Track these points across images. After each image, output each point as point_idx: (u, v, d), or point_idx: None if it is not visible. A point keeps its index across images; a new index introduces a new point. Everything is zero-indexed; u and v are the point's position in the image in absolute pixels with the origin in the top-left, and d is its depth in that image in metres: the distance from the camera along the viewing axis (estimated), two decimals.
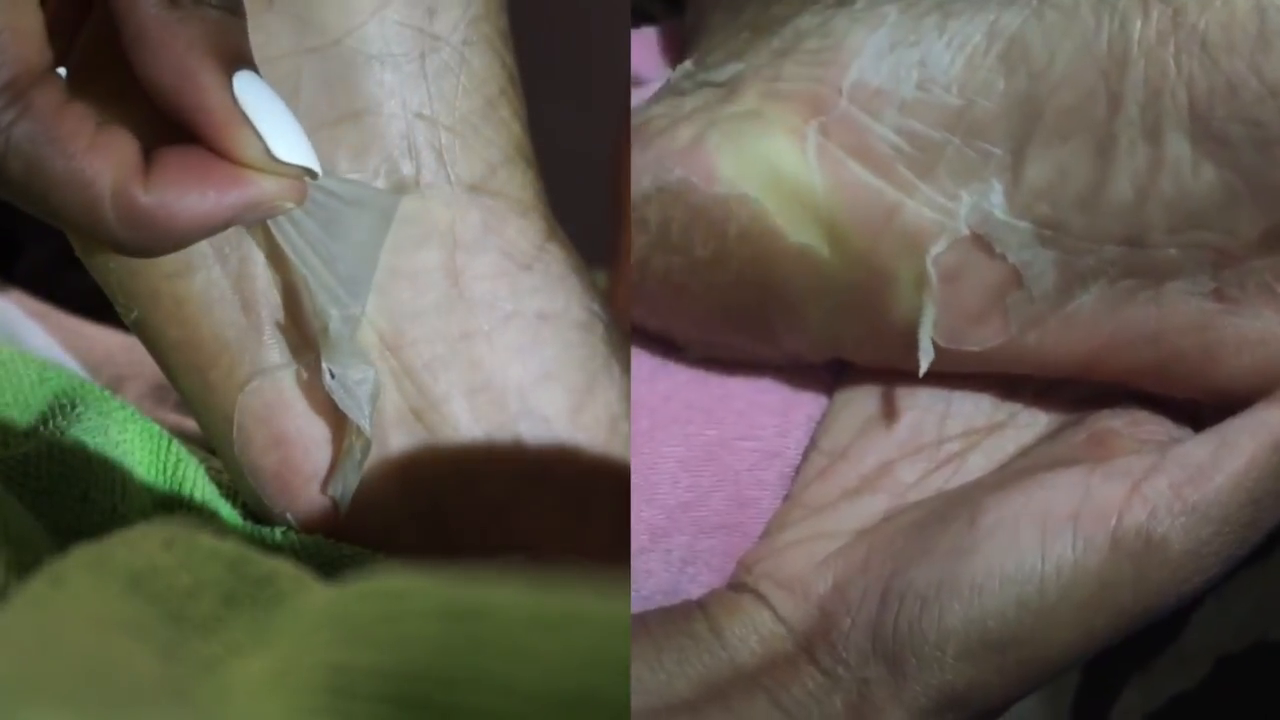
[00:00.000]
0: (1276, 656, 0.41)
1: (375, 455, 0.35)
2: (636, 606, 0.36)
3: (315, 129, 0.34)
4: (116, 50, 0.30)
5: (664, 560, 0.37)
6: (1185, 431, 0.35)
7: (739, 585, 0.36)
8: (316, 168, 0.31)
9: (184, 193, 0.30)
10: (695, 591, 0.37)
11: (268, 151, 0.30)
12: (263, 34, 0.34)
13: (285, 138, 0.30)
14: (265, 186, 0.30)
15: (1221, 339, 0.33)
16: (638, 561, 0.36)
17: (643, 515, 0.36)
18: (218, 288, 0.35)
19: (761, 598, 0.35)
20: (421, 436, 0.35)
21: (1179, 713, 0.42)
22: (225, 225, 0.31)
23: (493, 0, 0.35)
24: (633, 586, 0.36)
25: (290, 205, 0.31)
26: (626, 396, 0.36)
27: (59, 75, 0.31)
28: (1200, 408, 0.35)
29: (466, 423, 0.35)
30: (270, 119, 0.30)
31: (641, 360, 0.37)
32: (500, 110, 0.35)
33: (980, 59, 0.33)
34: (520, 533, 0.35)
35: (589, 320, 0.36)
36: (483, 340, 0.35)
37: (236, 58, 0.30)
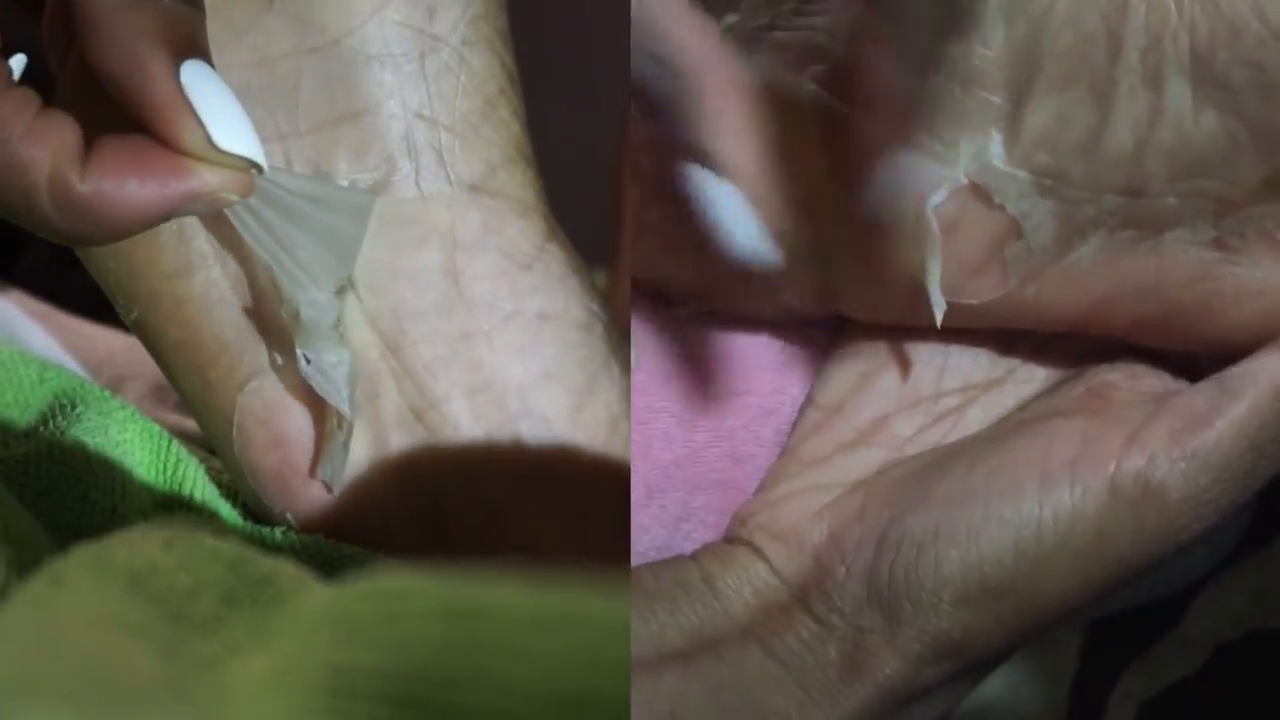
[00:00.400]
0: (1275, 644, 0.41)
1: (375, 455, 0.35)
2: (632, 563, 0.36)
3: (315, 129, 0.34)
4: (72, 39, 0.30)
5: (659, 516, 0.36)
6: (1184, 385, 0.35)
7: (733, 538, 0.36)
8: (261, 160, 0.30)
9: (122, 182, 0.29)
10: (690, 547, 0.37)
11: (209, 140, 0.29)
12: (263, 34, 0.34)
13: (229, 128, 0.29)
14: (207, 178, 0.29)
15: (1221, 289, 0.33)
16: (633, 516, 0.36)
17: (637, 471, 0.36)
18: (217, 288, 0.35)
19: (756, 549, 0.35)
20: (421, 436, 0.35)
21: (1178, 699, 0.42)
22: (165, 216, 0.30)
23: (492, 0, 0.35)
24: None
25: (234, 198, 0.30)
26: (626, 396, 0.36)
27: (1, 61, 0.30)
28: (1199, 362, 0.35)
29: (467, 423, 0.35)
30: (215, 109, 0.29)
31: (637, 314, 0.37)
32: (500, 110, 0.35)
33: (980, 6, 0.32)
34: (520, 533, 0.35)
35: (589, 320, 0.36)
36: (483, 340, 0.35)
37: (187, 47, 0.29)
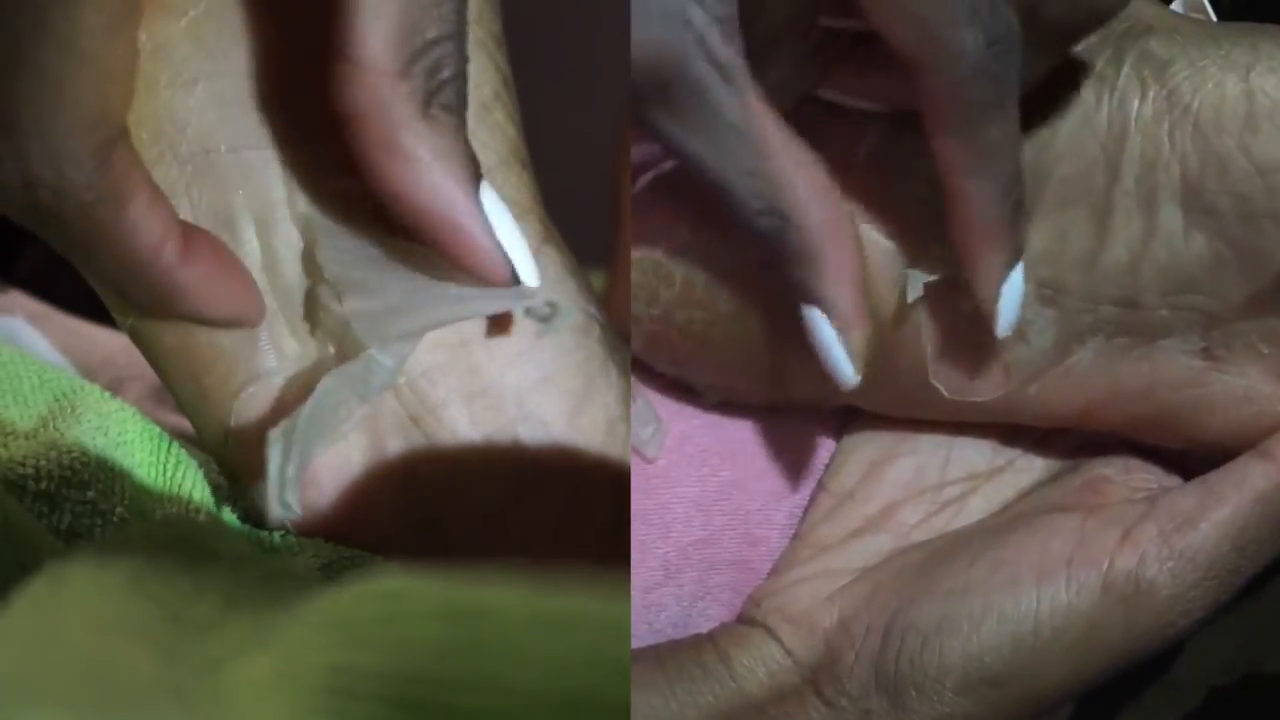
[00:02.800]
0: (1267, 688, 0.43)
1: (372, 460, 0.35)
2: (649, 639, 0.38)
3: (312, 134, 0.34)
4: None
5: (676, 595, 0.38)
6: (1175, 479, 0.37)
7: (748, 619, 0.38)
8: (535, 283, 0.32)
9: (212, 279, 0.30)
10: (705, 625, 0.38)
11: (514, 275, 0.31)
12: (259, 41, 0.34)
13: (526, 260, 0.31)
14: (261, 313, 0.32)
15: (1209, 395, 0.35)
16: (651, 595, 0.38)
17: (657, 551, 0.38)
18: None
19: (770, 631, 0.37)
20: (419, 442, 0.35)
21: None
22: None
23: (485, 4, 0.35)
24: (645, 619, 0.38)
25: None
26: (623, 399, 0.36)
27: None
28: (1189, 456, 0.37)
29: (464, 427, 0.35)
30: (514, 240, 0.31)
31: (660, 404, 0.39)
32: (495, 114, 0.35)
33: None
34: (518, 536, 0.35)
35: (586, 323, 0.36)
36: (480, 345, 0.35)
37: (477, 169, 0.30)
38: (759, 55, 0.32)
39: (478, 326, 0.35)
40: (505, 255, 0.31)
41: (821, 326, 0.34)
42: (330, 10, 0.28)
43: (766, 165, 0.32)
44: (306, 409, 0.33)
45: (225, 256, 0.33)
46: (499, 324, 0.34)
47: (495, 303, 0.33)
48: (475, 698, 0.20)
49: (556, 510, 0.35)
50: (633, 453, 0.38)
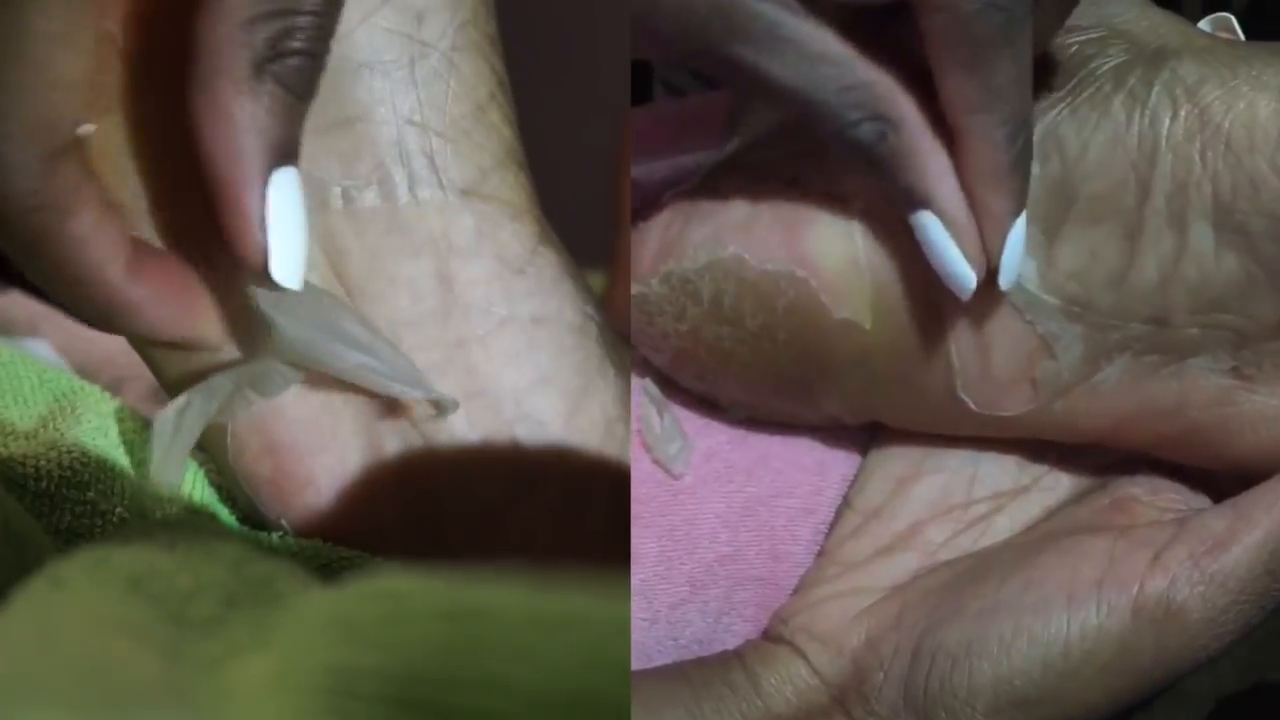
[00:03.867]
0: (1277, 697, 0.43)
1: (370, 461, 0.35)
2: (674, 655, 0.38)
3: (306, 136, 0.34)
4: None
5: (701, 610, 0.38)
6: (1201, 498, 0.37)
7: (775, 637, 0.38)
8: (298, 288, 0.31)
9: (162, 300, 0.29)
10: (730, 641, 0.38)
11: (265, 267, 0.30)
12: None
13: (288, 259, 0.30)
14: (217, 339, 0.31)
15: (1239, 414, 0.35)
16: (677, 611, 0.38)
17: (684, 568, 0.38)
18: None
19: (797, 650, 0.37)
20: (416, 442, 0.35)
21: None
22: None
23: (480, 5, 0.35)
24: (671, 635, 0.38)
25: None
26: (621, 399, 0.36)
27: (80, 136, 0.30)
28: (1216, 476, 0.37)
29: (462, 428, 0.35)
30: (285, 234, 0.30)
31: (686, 420, 0.39)
32: (490, 115, 0.35)
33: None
34: (516, 536, 0.35)
35: (583, 323, 0.36)
36: (478, 346, 0.35)
37: (286, 150, 0.29)
38: None
39: (475, 326, 0.35)
40: (265, 247, 0.30)
41: (935, 230, 0.33)
42: None
43: (860, 76, 0.32)
44: (199, 393, 0.33)
45: (180, 277, 0.32)
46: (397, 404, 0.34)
47: (400, 385, 0.34)
48: (475, 698, 0.20)
49: (555, 510, 0.35)
50: (659, 469, 0.38)
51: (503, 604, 0.22)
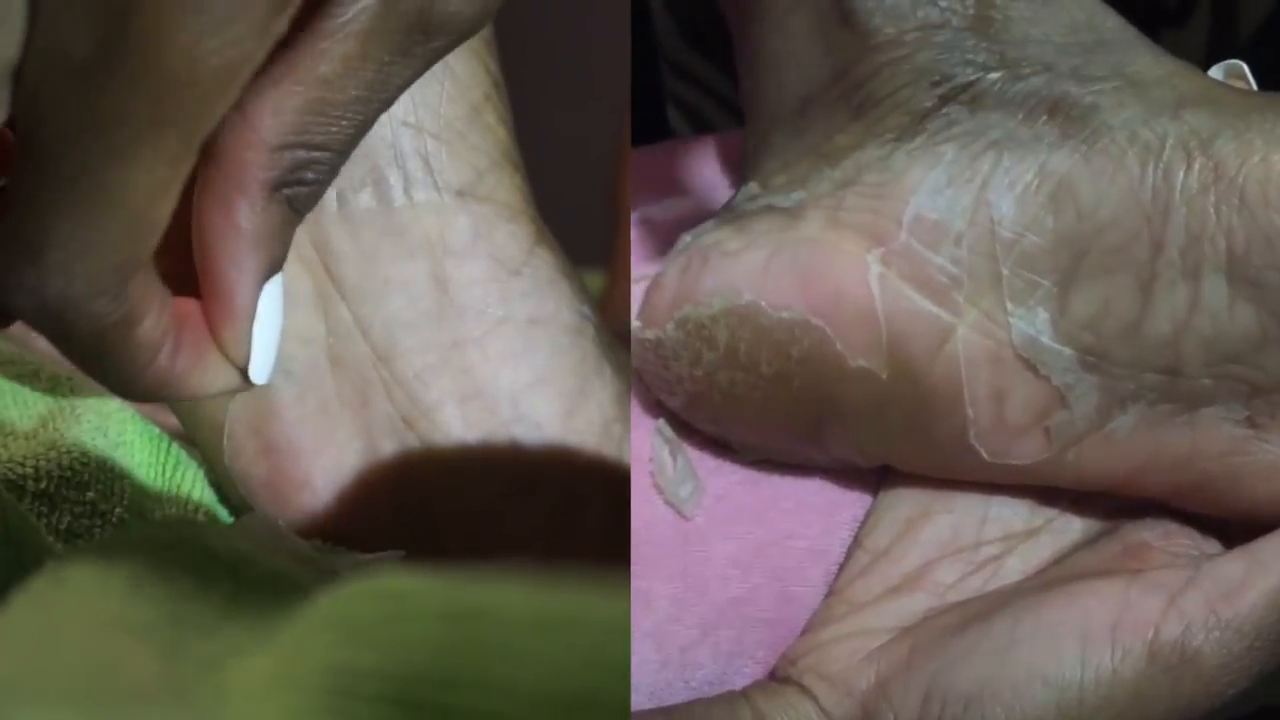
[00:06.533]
0: None
1: (366, 463, 0.35)
2: (685, 697, 0.38)
3: None
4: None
5: (713, 653, 0.38)
6: (1213, 543, 0.37)
7: (783, 678, 0.37)
8: (261, 381, 0.31)
9: (191, 372, 0.30)
10: (741, 683, 0.38)
11: (245, 368, 0.30)
12: None
13: (263, 363, 0.31)
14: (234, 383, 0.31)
15: (1252, 464, 0.35)
16: (688, 654, 0.38)
17: (695, 609, 0.38)
18: None
19: (805, 690, 0.37)
20: (413, 444, 0.35)
21: None
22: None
23: None
24: (683, 678, 0.38)
25: None
26: (618, 399, 0.36)
27: None
28: (1228, 523, 0.37)
29: (458, 430, 0.35)
30: (265, 341, 0.30)
31: (699, 461, 0.39)
32: (485, 116, 0.35)
33: (1031, 197, 0.35)
34: (513, 537, 0.35)
35: (579, 324, 0.36)
36: (474, 347, 0.35)
37: (277, 261, 0.30)
38: None
39: (471, 327, 0.35)
40: (249, 348, 0.30)
41: None
42: (261, 73, 0.28)
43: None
44: None
45: (205, 337, 0.31)
46: None
47: None
48: (475, 698, 0.20)
49: (552, 511, 0.35)
50: (671, 510, 0.38)
51: (502, 604, 0.22)
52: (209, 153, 0.28)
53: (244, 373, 0.30)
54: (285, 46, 0.27)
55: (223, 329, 0.30)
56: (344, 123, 0.28)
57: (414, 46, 0.28)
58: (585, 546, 0.35)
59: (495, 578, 0.22)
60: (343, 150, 0.29)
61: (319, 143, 0.28)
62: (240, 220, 0.29)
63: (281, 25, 0.26)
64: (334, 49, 0.27)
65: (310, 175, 0.29)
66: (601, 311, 0.38)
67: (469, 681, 0.20)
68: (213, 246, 0.29)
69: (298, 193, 0.29)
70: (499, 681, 0.20)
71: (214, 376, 0.30)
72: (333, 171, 0.29)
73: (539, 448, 0.35)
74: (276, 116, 0.28)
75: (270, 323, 0.30)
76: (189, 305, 0.30)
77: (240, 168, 0.28)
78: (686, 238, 0.39)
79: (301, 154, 0.28)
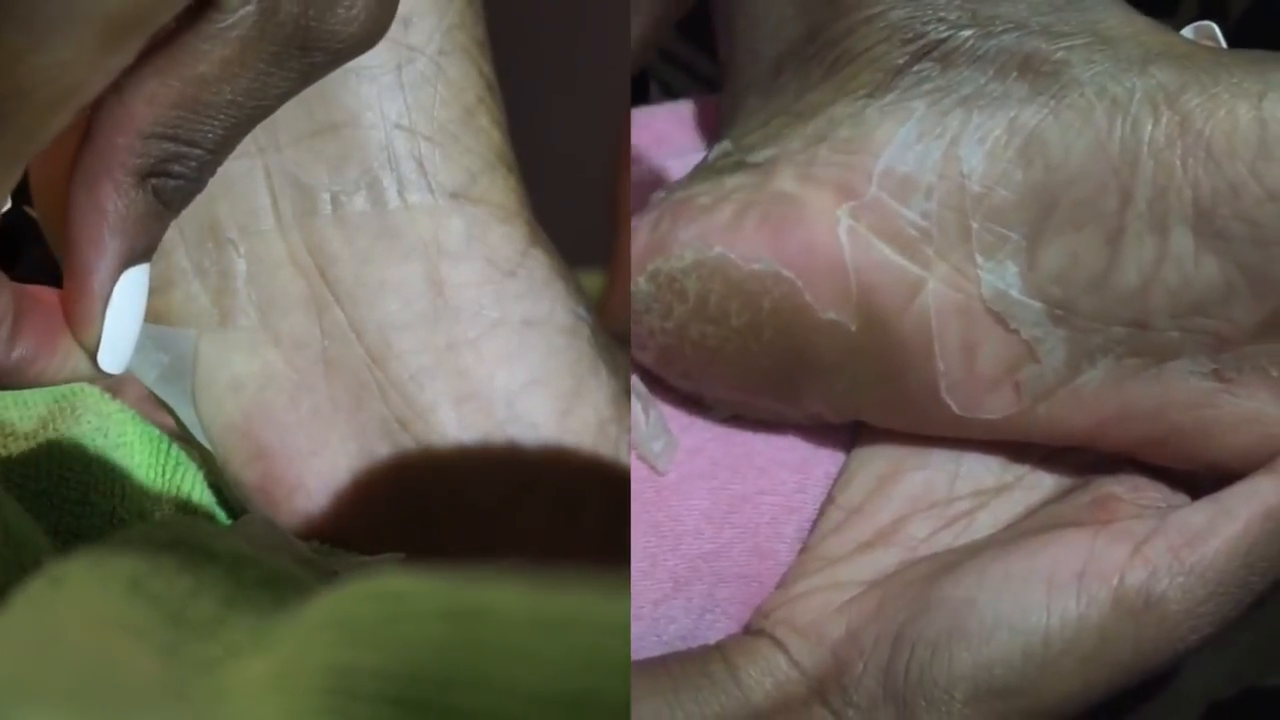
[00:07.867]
0: (1268, 702, 0.43)
1: (362, 465, 0.35)
2: (657, 651, 0.38)
3: (294, 142, 0.34)
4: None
5: (685, 607, 0.38)
6: (1182, 497, 0.37)
7: (756, 631, 0.38)
8: (114, 370, 0.32)
9: (35, 359, 0.30)
10: (713, 637, 0.39)
11: (94, 354, 0.31)
12: None
13: (115, 352, 0.31)
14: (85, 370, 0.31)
15: (1219, 416, 0.35)
16: (660, 608, 0.38)
17: (667, 564, 0.38)
18: (197, 302, 0.35)
19: (777, 642, 0.37)
20: (408, 445, 0.35)
21: None
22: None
23: (468, 9, 0.35)
24: (654, 632, 0.38)
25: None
26: (615, 399, 0.36)
27: None
28: (1196, 476, 0.37)
29: (454, 431, 0.35)
30: (119, 329, 0.30)
31: (672, 417, 0.39)
32: (479, 118, 0.35)
33: (1001, 151, 0.35)
34: (510, 538, 0.35)
35: (574, 324, 0.36)
36: (469, 349, 0.35)
37: (143, 252, 0.30)
38: None
39: (466, 329, 0.35)
40: (100, 334, 0.30)
41: None
42: (144, 61, 0.28)
43: None
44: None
45: (56, 322, 0.31)
46: None
47: None
48: (475, 698, 0.20)
49: (549, 512, 0.35)
50: (644, 465, 0.38)
51: (502, 604, 0.22)
52: (86, 134, 0.29)
53: (95, 361, 0.31)
54: (171, 40, 0.28)
55: (74, 309, 0.30)
56: (216, 123, 0.29)
57: (290, 60, 0.29)
58: (584, 546, 0.35)
59: (495, 578, 0.22)
60: (214, 150, 0.29)
61: (190, 139, 0.29)
62: (104, 202, 0.29)
63: (121, 60, 0.27)
64: (213, 51, 0.28)
65: (178, 169, 0.29)
66: (600, 312, 0.38)
67: (469, 681, 0.20)
68: (75, 226, 0.30)
69: (165, 184, 0.29)
70: (499, 681, 0.20)
71: (62, 363, 0.30)
72: (203, 170, 0.30)
73: (535, 448, 0.35)
74: (150, 106, 0.28)
75: (128, 312, 0.30)
76: (49, 294, 0.30)
77: (110, 150, 0.29)
78: (660, 194, 0.39)
79: (170, 146, 0.29)
